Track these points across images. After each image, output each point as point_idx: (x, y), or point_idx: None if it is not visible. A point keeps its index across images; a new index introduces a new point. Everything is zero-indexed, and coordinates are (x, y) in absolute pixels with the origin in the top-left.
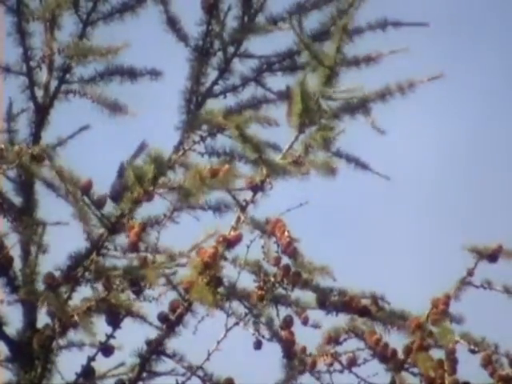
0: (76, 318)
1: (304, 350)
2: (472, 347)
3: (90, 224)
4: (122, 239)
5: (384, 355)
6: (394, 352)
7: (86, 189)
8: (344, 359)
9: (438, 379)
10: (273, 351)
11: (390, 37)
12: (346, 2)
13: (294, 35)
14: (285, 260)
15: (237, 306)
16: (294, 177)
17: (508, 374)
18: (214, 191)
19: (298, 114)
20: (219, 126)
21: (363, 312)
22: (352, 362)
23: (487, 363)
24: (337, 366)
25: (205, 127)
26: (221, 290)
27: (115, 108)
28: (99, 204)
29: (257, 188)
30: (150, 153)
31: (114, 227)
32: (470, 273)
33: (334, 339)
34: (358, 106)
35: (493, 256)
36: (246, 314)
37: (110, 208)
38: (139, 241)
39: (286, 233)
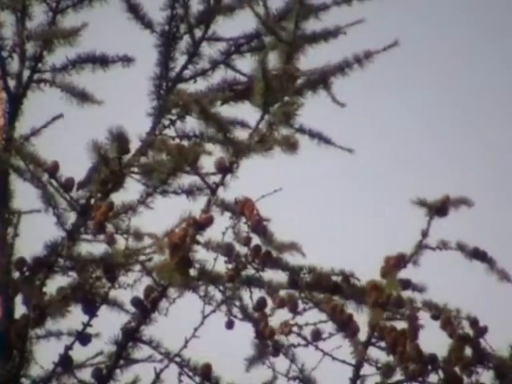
0: (54, 306)
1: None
2: (434, 313)
3: (59, 207)
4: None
5: (342, 322)
6: (350, 317)
7: (53, 171)
8: (308, 333)
9: (400, 346)
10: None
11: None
12: None
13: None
14: (255, 240)
15: (213, 291)
16: (258, 154)
17: (467, 333)
18: (184, 171)
19: (260, 93)
20: (187, 107)
21: (335, 290)
22: (316, 336)
23: (446, 324)
24: (301, 341)
25: (174, 111)
26: (193, 272)
27: (83, 97)
28: (67, 186)
29: (226, 169)
30: (112, 131)
31: (84, 210)
32: (425, 234)
33: (289, 306)
34: (319, 81)
35: (442, 208)
36: (224, 301)
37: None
38: (105, 221)
39: (255, 211)
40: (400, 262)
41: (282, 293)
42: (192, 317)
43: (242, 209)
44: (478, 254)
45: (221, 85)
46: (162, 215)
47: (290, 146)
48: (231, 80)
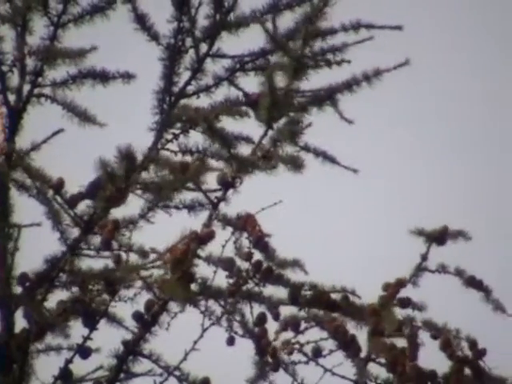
0: (55, 319)
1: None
2: (433, 333)
3: (63, 223)
4: (97, 239)
5: (345, 342)
6: (353, 338)
7: (58, 187)
8: (308, 350)
9: (400, 366)
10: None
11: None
12: (321, 1)
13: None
14: (257, 256)
15: (213, 306)
16: (262, 171)
17: (466, 355)
18: (187, 188)
19: (266, 108)
20: (192, 122)
21: (334, 307)
22: (317, 353)
23: (446, 346)
24: (302, 357)
25: (178, 125)
26: (194, 287)
27: (85, 117)
28: (72, 203)
29: (228, 184)
30: (121, 149)
31: (88, 226)
32: (424, 257)
33: (291, 326)
34: (326, 98)
35: (440, 238)
36: (223, 314)
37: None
38: (112, 239)
39: (257, 227)
40: (398, 289)
41: (285, 313)
42: (192, 330)
43: (244, 224)
44: (473, 283)
45: (223, 103)
46: (161, 229)
47: (296, 165)
48: (234, 98)
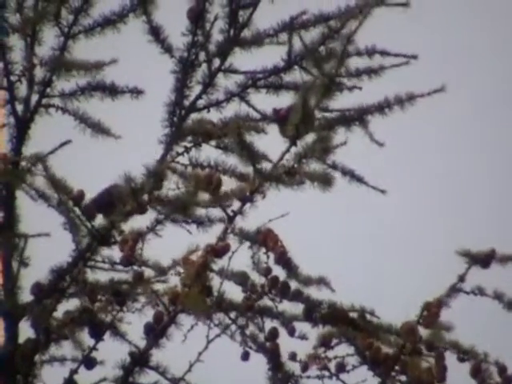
0: (65, 329)
1: (294, 356)
2: (461, 355)
3: (80, 235)
4: (109, 251)
5: (375, 359)
6: (387, 356)
7: (78, 199)
8: (332, 365)
9: None
10: (257, 363)
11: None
12: (338, 22)
13: (283, 51)
14: (275, 271)
15: (221, 318)
16: (287, 187)
17: (497, 382)
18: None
19: (294, 124)
20: (207, 135)
21: (350, 325)
22: (341, 368)
23: (477, 372)
24: (325, 372)
25: (189, 138)
26: (208, 300)
27: (98, 129)
28: (90, 215)
29: (246, 199)
30: (149, 167)
31: (104, 239)
32: (462, 279)
33: (326, 342)
34: (355, 119)
35: (486, 261)
36: (228, 326)
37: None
38: (133, 255)
39: (279, 243)
40: (441, 308)
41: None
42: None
43: (265, 239)
44: None
45: (234, 118)
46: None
47: (327, 182)
48: (244, 115)
